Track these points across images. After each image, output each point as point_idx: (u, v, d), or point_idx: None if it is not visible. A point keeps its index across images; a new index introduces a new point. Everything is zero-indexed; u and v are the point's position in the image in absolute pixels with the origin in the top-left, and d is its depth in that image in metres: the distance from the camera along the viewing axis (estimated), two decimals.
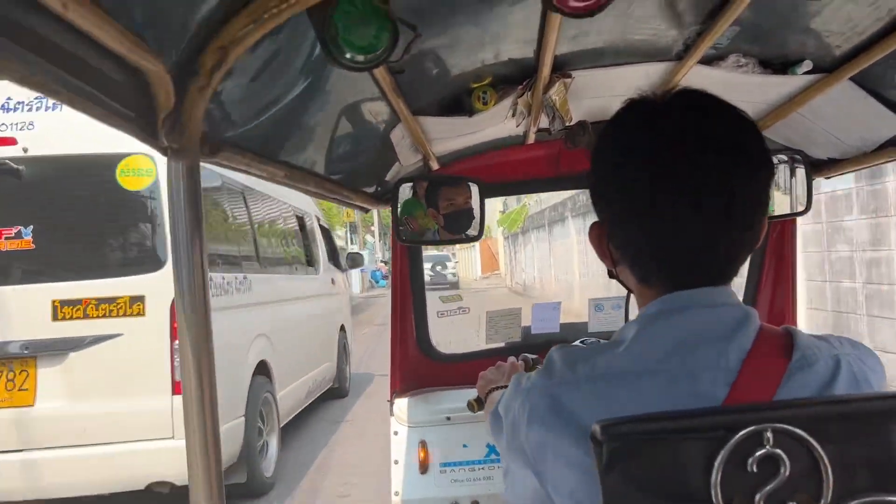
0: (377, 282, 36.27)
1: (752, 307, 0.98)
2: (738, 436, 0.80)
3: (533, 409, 0.94)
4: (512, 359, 1.95)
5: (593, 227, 1.04)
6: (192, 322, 1.01)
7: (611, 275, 1.08)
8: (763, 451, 0.80)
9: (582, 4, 1.01)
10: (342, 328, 9.67)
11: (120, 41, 0.76)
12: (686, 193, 0.91)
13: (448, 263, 36.30)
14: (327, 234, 10.02)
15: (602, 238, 1.02)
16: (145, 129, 0.94)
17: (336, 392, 9.26)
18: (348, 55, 0.99)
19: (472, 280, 40.78)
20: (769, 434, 0.80)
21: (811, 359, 0.92)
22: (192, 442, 1.02)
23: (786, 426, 0.80)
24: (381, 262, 38.99)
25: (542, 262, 24.21)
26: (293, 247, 8.14)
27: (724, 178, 0.91)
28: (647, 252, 0.97)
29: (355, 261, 11.21)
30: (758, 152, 0.94)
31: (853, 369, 0.93)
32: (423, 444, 2.38)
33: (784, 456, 0.80)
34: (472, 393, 2.06)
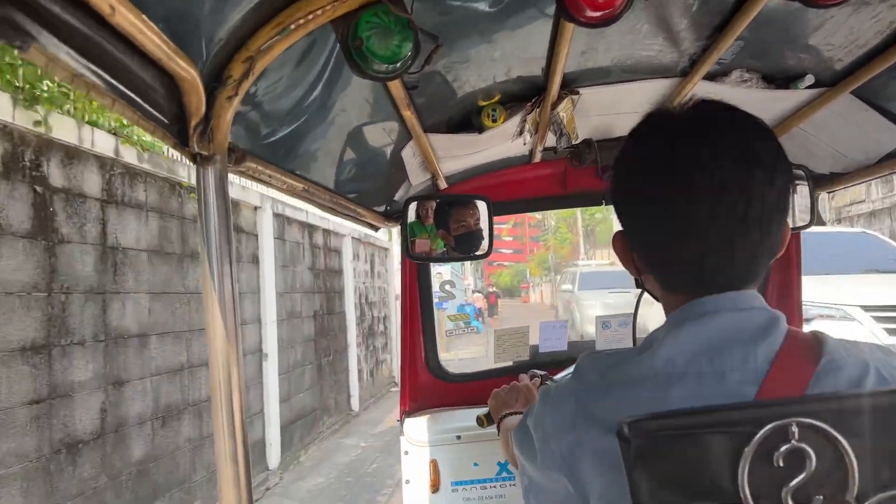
0: (468, 323, 22.40)
1: None
2: (763, 430, 0.81)
3: (564, 414, 0.96)
4: (525, 378, 1.95)
5: (616, 236, 1.06)
6: (222, 330, 1.03)
7: (637, 283, 1.10)
8: (788, 445, 0.81)
9: (597, 14, 1.04)
10: None
11: (159, 47, 0.78)
12: (702, 201, 0.92)
13: None
14: None
15: (625, 247, 1.05)
16: (177, 135, 0.96)
17: None
18: (371, 64, 1.01)
19: None
20: (794, 429, 0.81)
21: (840, 363, 0.92)
22: (220, 449, 1.03)
23: (811, 420, 0.81)
24: (476, 292, 26.43)
25: None
26: None
27: (739, 185, 0.92)
28: (668, 259, 0.99)
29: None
30: (774, 159, 0.95)
31: (883, 374, 0.93)
32: (434, 464, 2.37)
33: (810, 450, 0.81)
34: (481, 411, 2.07)
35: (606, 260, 30.06)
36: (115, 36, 0.73)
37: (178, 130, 0.96)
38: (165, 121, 0.93)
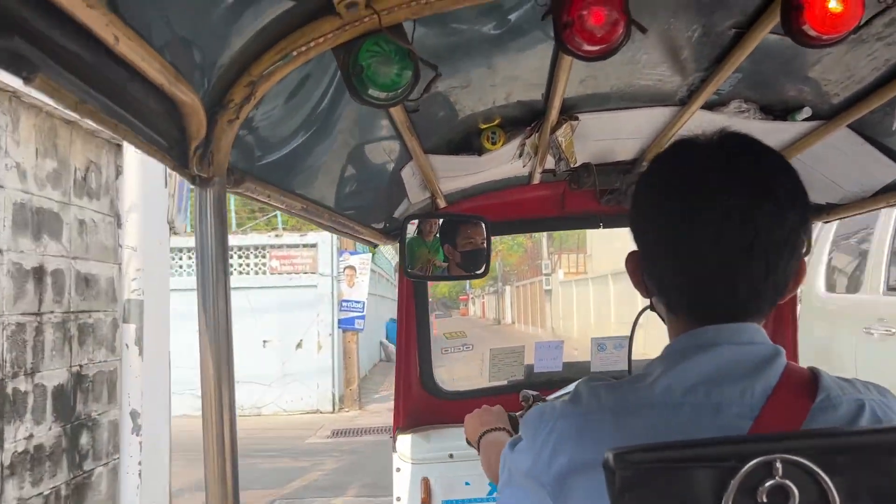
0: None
1: None
2: (747, 466, 0.81)
3: (560, 437, 0.96)
4: (498, 406, 1.92)
5: (630, 256, 1.07)
6: (215, 350, 1.04)
7: (651, 305, 1.11)
8: (772, 481, 0.81)
9: (595, 48, 1.06)
10: None
11: (162, 73, 0.80)
12: (706, 228, 0.94)
13: None
14: None
15: (637, 267, 1.06)
16: (178, 158, 0.98)
17: None
18: (371, 92, 1.03)
19: None
20: (778, 464, 0.81)
21: (835, 401, 0.93)
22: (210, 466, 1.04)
23: (794, 457, 0.82)
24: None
25: None
26: None
27: (746, 217, 0.93)
28: (671, 283, 1.00)
29: None
30: (788, 196, 0.96)
31: (878, 414, 0.94)
32: (426, 482, 2.37)
33: (793, 487, 0.81)
34: None
35: (573, 269, 27.60)
36: (119, 63, 0.75)
37: (178, 153, 0.97)
38: (166, 144, 0.94)
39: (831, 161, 1.98)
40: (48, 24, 0.63)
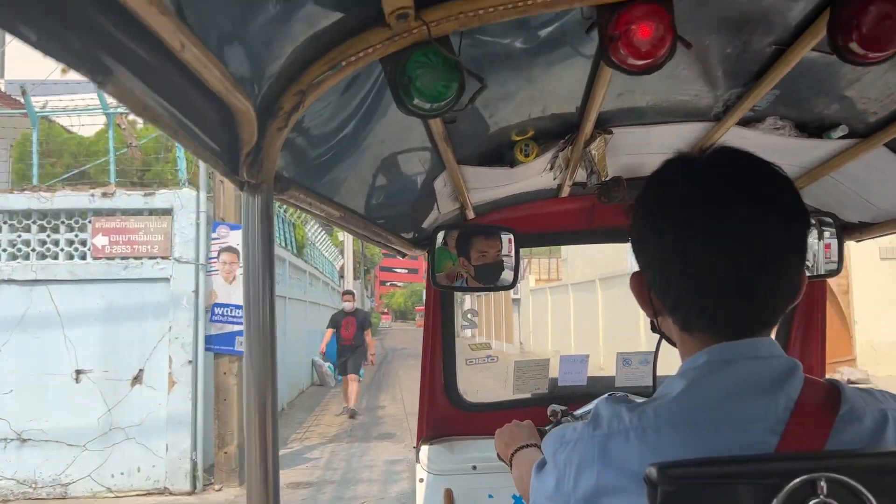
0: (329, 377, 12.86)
1: None
2: (791, 484, 0.81)
3: (582, 459, 0.96)
4: (528, 421, 1.93)
5: (634, 276, 1.07)
6: (259, 350, 1.05)
7: (653, 326, 1.10)
8: (817, 500, 0.81)
9: (640, 63, 1.07)
10: None
11: (221, 81, 0.82)
12: (721, 243, 0.95)
13: None
14: None
15: (643, 287, 1.06)
16: (228, 163, 0.99)
17: None
18: (417, 102, 1.04)
19: None
20: (823, 483, 0.81)
21: (859, 412, 0.93)
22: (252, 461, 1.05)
23: (840, 476, 0.81)
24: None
25: None
26: None
27: (757, 229, 0.95)
28: (687, 299, 1.00)
29: None
30: (791, 205, 0.98)
31: None
32: (449, 493, 2.36)
33: None
34: None
35: (546, 275, 25.68)
36: (182, 71, 0.77)
37: (229, 159, 0.99)
38: (219, 149, 0.96)
39: (866, 179, 1.97)
40: (122, 31, 0.65)
